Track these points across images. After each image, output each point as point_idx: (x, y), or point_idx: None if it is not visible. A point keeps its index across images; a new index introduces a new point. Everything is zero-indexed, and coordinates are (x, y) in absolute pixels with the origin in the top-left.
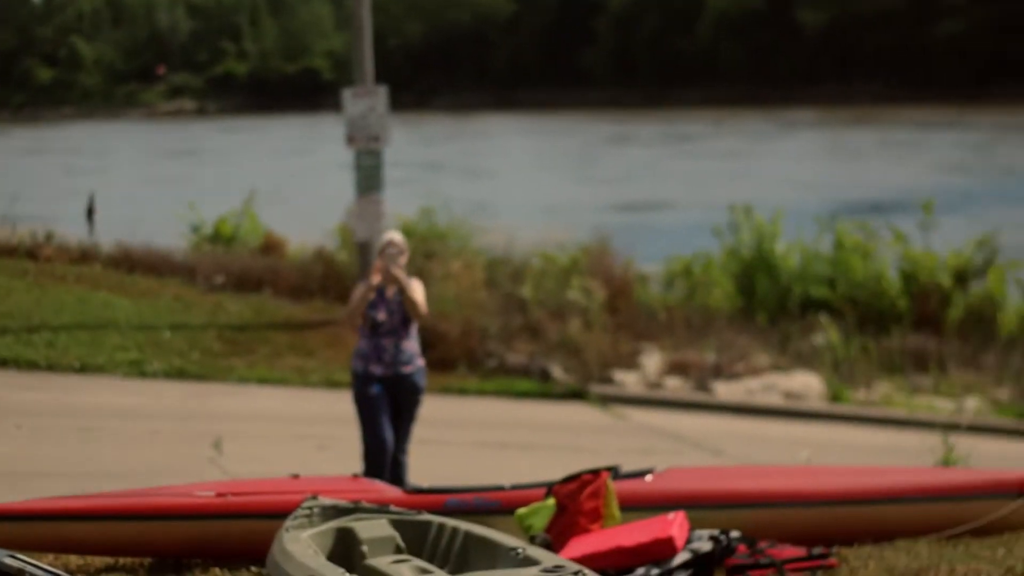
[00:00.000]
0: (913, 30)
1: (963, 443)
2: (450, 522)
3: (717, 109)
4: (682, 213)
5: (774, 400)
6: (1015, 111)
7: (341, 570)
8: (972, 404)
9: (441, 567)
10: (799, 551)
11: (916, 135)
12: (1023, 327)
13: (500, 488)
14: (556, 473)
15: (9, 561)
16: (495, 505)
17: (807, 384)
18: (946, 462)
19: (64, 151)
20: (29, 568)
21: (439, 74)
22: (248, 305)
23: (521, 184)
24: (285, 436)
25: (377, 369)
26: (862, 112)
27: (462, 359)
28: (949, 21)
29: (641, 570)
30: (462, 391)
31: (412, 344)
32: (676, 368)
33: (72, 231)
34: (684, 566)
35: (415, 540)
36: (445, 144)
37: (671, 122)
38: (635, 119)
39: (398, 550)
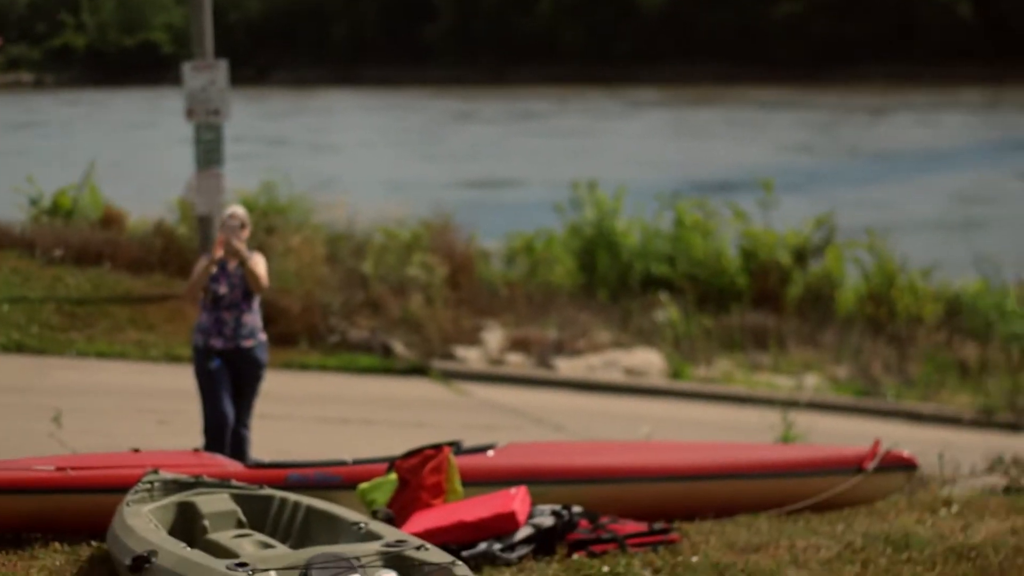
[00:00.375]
0: (751, 11)
1: (802, 420)
2: (292, 496)
3: (558, 87)
4: (528, 190)
5: (615, 376)
6: (855, 92)
7: (182, 544)
8: (811, 382)
9: (283, 542)
10: (641, 526)
11: (759, 115)
12: (860, 306)
13: (342, 463)
14: (398, 448)
15: None
16: (337, 480)
17: (648, 361)
18: (786, 439)
19: None
20: None
21: (279, 49)
22: (87, 279)
23: (366, 160)
24: (125, 410)
25: (218, 343)
26: (704, 92)
27: (304, 334)
28: (787, 3)
29: (483, 545)
30: (304, 366)
31: (253, 318)
32: (518, 344)
33: None
34: (526, 541)
35: (257, 514)
36: (288, 119)
37: (514, 99)
38: (478, 96)
39: (240, 524)
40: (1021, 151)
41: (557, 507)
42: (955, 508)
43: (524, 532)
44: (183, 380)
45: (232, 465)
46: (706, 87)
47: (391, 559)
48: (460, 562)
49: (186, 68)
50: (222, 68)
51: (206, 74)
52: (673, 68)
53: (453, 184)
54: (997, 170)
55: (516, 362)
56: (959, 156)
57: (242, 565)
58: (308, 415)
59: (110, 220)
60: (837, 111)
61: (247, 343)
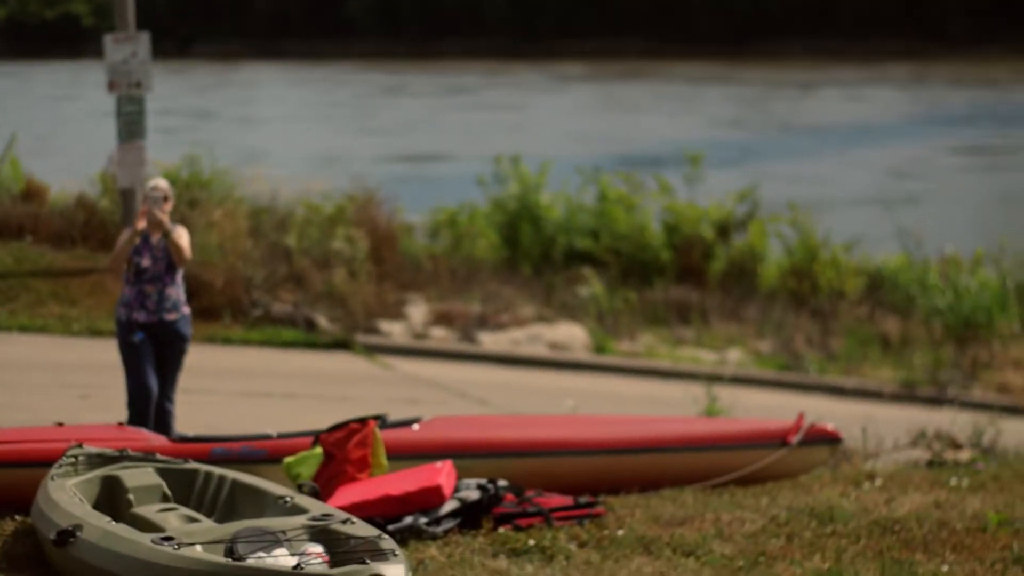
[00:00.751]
0: None
1: (726, 394)
2: (217, 470)
3: (484, 61)
4: (455, 164)
5: (539, 351)
6: (780, 67)
7: (107, 518)
8: (734, 356)
9: (208, 516)
10: (566, 500)
11: (687, 89)
12: (783, 280)
13: (267, 437)
14: (323, 423)
15: None
16: (262, 454)
17: (572, 335)
18: (710, 412)
19: None
20: None
21: (200, 22)
22: (9, 252)
23: (293, 134)
24: (48, 385)
25: (141, 316)
26: (631, 66)
27: (227, 308)
28: None
29: (409, 518)
30: (227, 340)
31: (176, 291)
32: (442, 318)
33: None
34: (452, 515)
35: (182, 488)
36: (213, 92)
37: (441, 73)
38: (404, 70)
39: (165, 498)
40: (948, 126)
41: (483, 481)
42: (879, 482)
43: (450, 506)
44: (106, 354)
45: (157, 439)
46: (631, 61)
47: (317, 533)
48: (386, 536)
49: (107, 40)
50: (144, 40)
51: (128, 46)
52: (597, 42)
53: (380, 158)
54: (925, 145)
55: (440, 336)
56: (888, 131)
57: (167, 539)
58: (232, 389)
59: (32, 193)
60: (766, 86)
61: (170, 316)
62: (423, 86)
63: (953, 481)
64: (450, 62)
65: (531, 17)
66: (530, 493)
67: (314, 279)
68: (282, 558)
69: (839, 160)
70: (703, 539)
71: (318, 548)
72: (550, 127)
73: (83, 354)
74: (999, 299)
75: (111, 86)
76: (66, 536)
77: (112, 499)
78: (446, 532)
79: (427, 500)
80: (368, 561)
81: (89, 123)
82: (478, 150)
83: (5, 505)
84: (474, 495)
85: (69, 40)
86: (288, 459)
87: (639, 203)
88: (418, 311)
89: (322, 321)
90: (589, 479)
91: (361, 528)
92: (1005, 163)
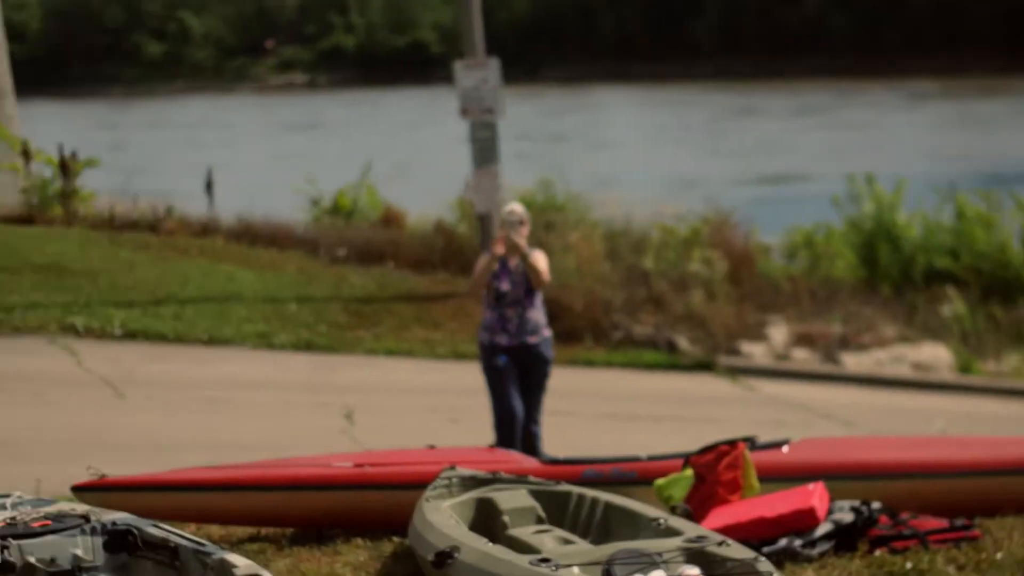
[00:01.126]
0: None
1: None
2: (589, 492)
3: (830, 80)
4: (811, 185)
5: (903, 371)
6: None
7: (484, 540)
8: None
9: (583, 537)
10: (942, 522)
11: None
12: None
13: (637, 459)
14: (689, 444)
15: (153, 531)
16: (632, 476)
17: (936, 355)
18: None
19: (181, 125)
20: (173, 537)
21: (547, 47)
22: (371, 278)
23: (645, 157)
24: (414, 407)
25: (503, 339)
26: (986, 83)
27: (587, 331)
28: None
29: (784, 541)
30: (589, 363)
31: (537, 314)
32: (802, 339)
33: (190, 205)
34: (827, 537)
35: (555, 510)
36: (565, 116)
37: (788, 93)
38: (749, 91)
39: (539, 520)
40: None
41: (856, 503)
42: None
43: (824, 528)
44: (470, 378)
45: (527, 461)
46: (980, 77)
47: (694, 555)
48: (763, 558)
49: (458, 67)
50: (494, 66)
51: (478, 72)
52: (943, 58)
53: (734, 180)
54: None
55: (801, 357)
56: None
57: (545, 560)
58: (596, 411)
59: (389, 219)
60: None
61: (532, 339)
62: (773, 106)
63: None
64: (794, 81)
65: (875, 34)
66: (904, 515)
67: (672, 301)
68: None
69: None
70: None
71: (695, 570)
72: (903, 145)
73: (448, 377)
74: None
75: (463, 112)
76: (445, 557)
77: (487, 521)
78: (821, 555)
79: (801, 522)
80: None
81: (441, 149)
82: (831, 169)
83: (382, 526)
84: (848, 517)
85: (418, 67)
86: (659, 481)
87: (998, 221)
88: (779, 332)
89: (683, 343)
90: (963, 501)
91: (737, 550)
92: None
